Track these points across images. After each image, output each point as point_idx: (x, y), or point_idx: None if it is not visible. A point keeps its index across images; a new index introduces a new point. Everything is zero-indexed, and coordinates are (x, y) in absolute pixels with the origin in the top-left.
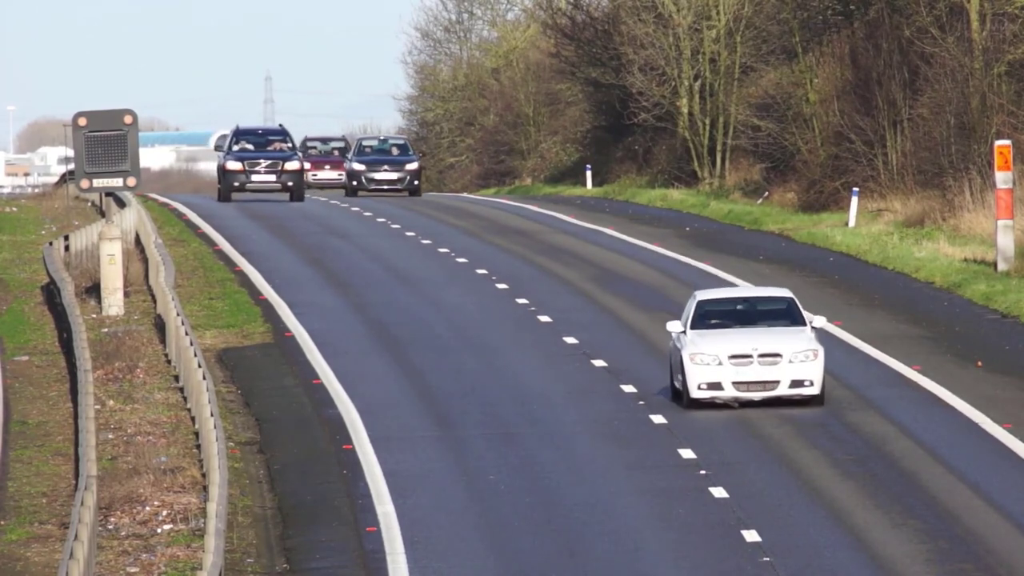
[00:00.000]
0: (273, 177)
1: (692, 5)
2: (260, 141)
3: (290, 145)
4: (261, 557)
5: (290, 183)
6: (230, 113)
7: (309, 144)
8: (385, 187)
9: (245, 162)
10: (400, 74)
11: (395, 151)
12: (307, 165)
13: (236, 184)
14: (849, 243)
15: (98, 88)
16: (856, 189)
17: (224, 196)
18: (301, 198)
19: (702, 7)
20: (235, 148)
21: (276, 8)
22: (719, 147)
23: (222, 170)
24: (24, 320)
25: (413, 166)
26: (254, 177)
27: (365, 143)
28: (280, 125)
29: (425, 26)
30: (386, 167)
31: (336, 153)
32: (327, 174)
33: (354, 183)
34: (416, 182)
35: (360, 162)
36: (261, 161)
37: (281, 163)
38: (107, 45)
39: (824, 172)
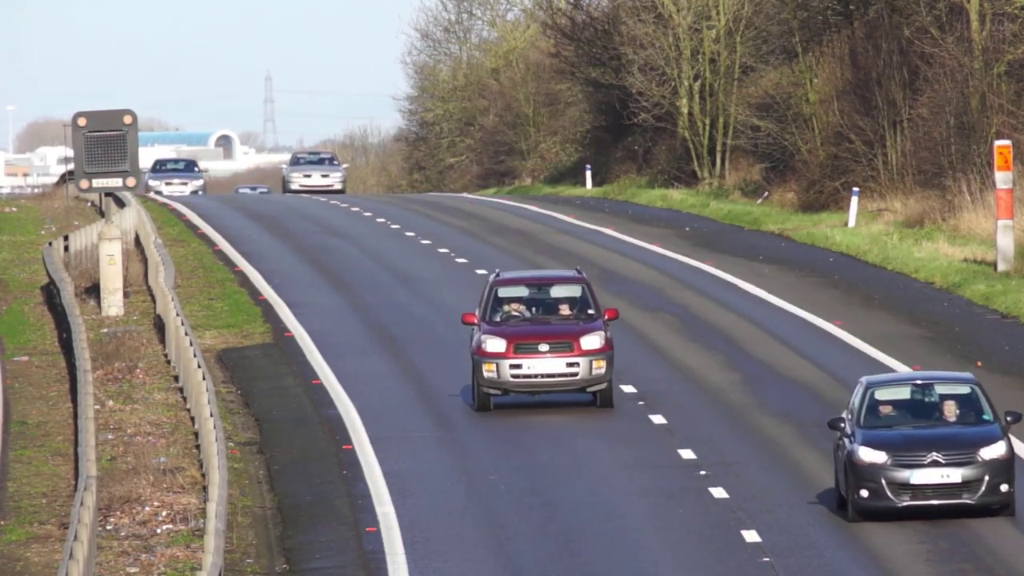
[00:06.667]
0: None
1: (692, 5)
2: None
3: None
4: (261, 557)
5: None
6: (230, 113)
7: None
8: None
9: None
10: (400, 74)
11: (952, 411)
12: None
13: None
14: (849, 243)
15: (98, 88)
16: (856, 189)
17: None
18: None
19: (702, 7)
20: None
21: (276, 8)
22: (719, 147)
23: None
24: (24, 320)
25: (1000, 451)
26: None
27: (879, 396)
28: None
29: (425, 26)
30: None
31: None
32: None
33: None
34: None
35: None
36: None
37: None
38: (107, 45)
39: (824, 172)
